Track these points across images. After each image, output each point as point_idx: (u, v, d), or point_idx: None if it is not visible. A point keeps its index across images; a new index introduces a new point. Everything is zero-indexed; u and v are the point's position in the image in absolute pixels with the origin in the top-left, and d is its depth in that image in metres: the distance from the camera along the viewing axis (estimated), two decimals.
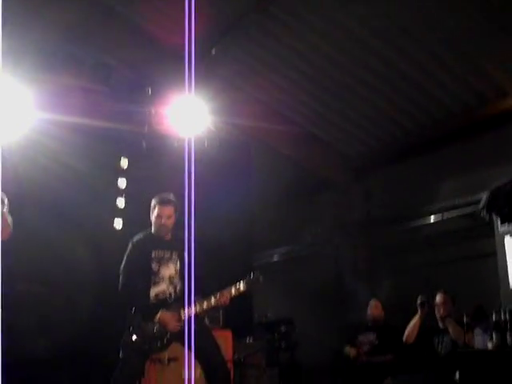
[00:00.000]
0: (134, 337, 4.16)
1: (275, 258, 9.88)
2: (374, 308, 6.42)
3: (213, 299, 4.29)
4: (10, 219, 3.75)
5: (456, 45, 6.43)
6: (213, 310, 4.52)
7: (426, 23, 6.21)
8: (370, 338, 6.27)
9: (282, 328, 7.72)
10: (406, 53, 6.66)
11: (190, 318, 4.21)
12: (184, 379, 4.96)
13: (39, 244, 6.16)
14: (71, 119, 6.44)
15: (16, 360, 5.31)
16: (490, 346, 4.15)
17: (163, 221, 4.48)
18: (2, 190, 2.35)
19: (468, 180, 7.46)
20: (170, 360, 4.96)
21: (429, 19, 6.13)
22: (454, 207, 7.51)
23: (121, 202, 7.15)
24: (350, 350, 6.29)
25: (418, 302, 5.64)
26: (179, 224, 4.49)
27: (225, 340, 5.61)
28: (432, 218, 7.72)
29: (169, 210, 4.50)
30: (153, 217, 4.53)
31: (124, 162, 7.16)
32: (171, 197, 4.56)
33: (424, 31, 6.32)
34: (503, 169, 6.43)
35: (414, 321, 5.66)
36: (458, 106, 7.40)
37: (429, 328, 5.67)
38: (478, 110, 7.31)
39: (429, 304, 5.61)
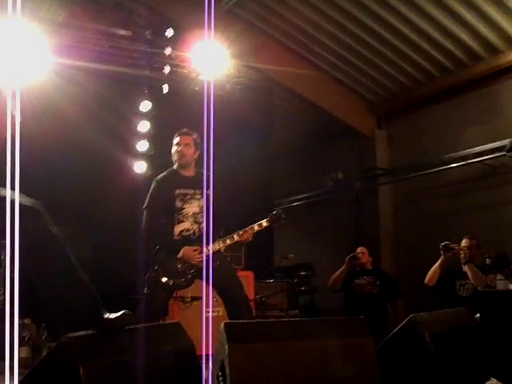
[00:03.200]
0: (159, 273, 4.19)
1: (296, 203, 9.89)
2: (361, 254, 6.45)
3: (235, 235, 4.31)
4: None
5: None
6: (236, 245, 4.53)
7: None
8: (367, 280, 6.33)
9: (302, 272, 7.82)
10: None
11: (213, 254, 4.23)
12: (208, 317, 5.04)
13: (60, 187, 6.22)
14: (91, 63, 6.42)
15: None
16: (511, 287, 4.15)
17: (181, 148, 4.47)
18: (21, 134, 2.34)
19: (491, 127, 7.35)
20: (193, 299, 5.01)
21: None
22: (477, 154, 7.42)
23: (141, 146, 7.19)
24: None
25: (442, 245, 5.64)
26: (202, 164, 4.50)
27: (246, 280, 5.65)
28: (455, 165, 7.63)
29: (187, 138, 4.51)
30: (173, 150, 4.54)
31: (146, 106, 7.15)
32: (191, 131, 4.56)
33: None
34: None
35: (436, 264, 5.67)
36: (484, 50, 7.22)
37: (451, 272, 5.68)
38: (505, 54, 7.13)
39: (452, 248, 5.60)
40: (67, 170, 6.31)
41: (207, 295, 4.34)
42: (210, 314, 5.12)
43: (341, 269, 6.41)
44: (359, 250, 6.51)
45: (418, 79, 8.16)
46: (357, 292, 6.31)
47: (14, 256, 2.23)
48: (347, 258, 6.41)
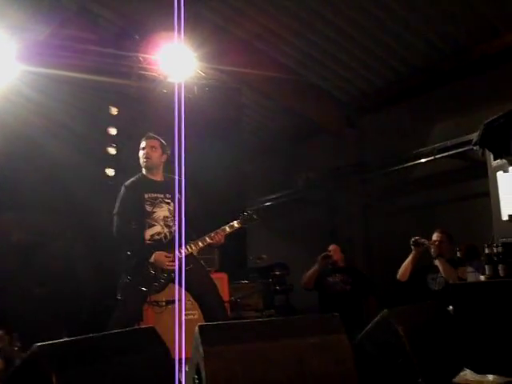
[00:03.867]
0: (132, 278, 4.16)
1: (268, 203, 9.90)
2: (333, 252, 6.49)
3: (207, 238, 4.31)
4: None
5: None
6: (208, 248, 4.53)
7: None
8: (340, 277, 6.37)
9: (276, 272, 7.82)
10: None
11: (186, 257, 4.22)
12: (183, 320, 5.02)
13: (28, 195, 6.14)
14: (57, 68, 6.33)
15: (14, 307, 5.38)
16: (482, 278, 4.19)
17: (147, 150, 4.47)
18: None
19: (460, 122, 7.44)
20: (167, 303, 4.98)
21: None
22: (446, 149, 7.51)
23: (110, 151, 7.11)
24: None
25: (412, 240, 5.68)
26: (171, 169, 4.48)
27: (221, 282, 5.63)
28: (424, 160, 7.70)
29: (153, 141, 4.52)
30: (140, 154, 4.51)
31: (113, 110, 7.08)
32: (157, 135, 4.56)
33: None
34: (495, 110, 6.37)
35: (408, 259, 5.72)
36: (450, 47, 7.31)
37: (423, 266, 5.73)
38: (470, 51, 7.23)
39: (422, 243, 5.65)
40: (34, 178, 6.22)
41: (180, 299, 4.32)
42: (185, 318, 5.13)
43: (313, 267, 6.43)
44: (331, 247, 6.55)
45: (388, 77, 8.23)
46: (330, 290, 6.34)
47: None
48: (319, 257, 6.44)
